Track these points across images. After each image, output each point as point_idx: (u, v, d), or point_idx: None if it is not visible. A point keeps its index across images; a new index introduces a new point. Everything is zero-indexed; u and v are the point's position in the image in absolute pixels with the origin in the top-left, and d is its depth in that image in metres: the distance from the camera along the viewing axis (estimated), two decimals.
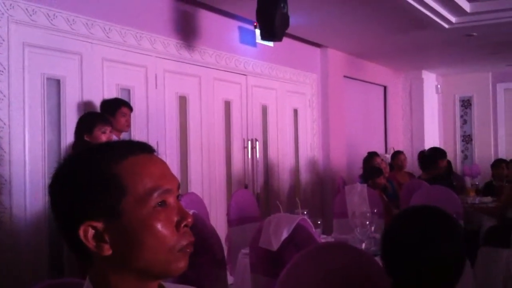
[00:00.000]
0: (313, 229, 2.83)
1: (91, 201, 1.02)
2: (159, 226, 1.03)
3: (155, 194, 1.04)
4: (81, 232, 1.01)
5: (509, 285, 3.65)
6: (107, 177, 1.03)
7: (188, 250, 1.07)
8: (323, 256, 2.10)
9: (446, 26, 6.53)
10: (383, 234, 1.72)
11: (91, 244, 1.02)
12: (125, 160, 1.05)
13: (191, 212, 2.32)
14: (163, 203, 1.05)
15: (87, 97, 4.28)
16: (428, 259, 1.57)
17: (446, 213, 1.67)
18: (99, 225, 1.01)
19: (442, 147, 8.22)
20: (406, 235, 1.63)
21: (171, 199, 1.07)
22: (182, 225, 1.06)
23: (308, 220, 2.89)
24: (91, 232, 1.01)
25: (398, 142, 9.80)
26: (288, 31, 5.15)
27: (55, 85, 4.11)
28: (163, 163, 1.10)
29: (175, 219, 1.06)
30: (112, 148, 1.09)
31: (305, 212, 3.58)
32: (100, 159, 1.05)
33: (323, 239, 3.43)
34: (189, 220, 1.07)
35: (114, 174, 1.03)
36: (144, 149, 1.09)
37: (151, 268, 1.04)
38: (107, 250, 1.02)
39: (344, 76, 8.19)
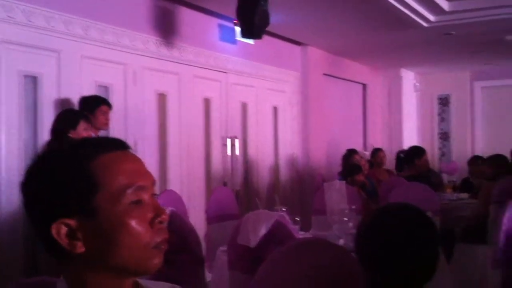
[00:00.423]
0: (292, 226, 2.84)
1: (64, 198, 1.01)
2: (133, 223, 1.02)
3: (129, 191, 1.03)
4: (53, 230, 1.00)
5: (486, 280, 3.70)
6: (80, 174, 1.02)
7: (162, 247, 1.07)
8: (301, 253, 2.11)
9: (425, 25, 6.58)
10: (360, 231, 1.74)
11: (64, 241, 1.01)
12: (98, 157, 1.04)
13: (169, 209, 2.32)
14: (137, 200, 1.04)
15: (64, 94, 4.25)
16: (405, 257, 1.60)
17: (421, 210, 1.70)
18: (72, 222, 1.01)
19: (420, 144, 8.30)
20: (381, 234, 1.65)
21: (145, 196, 1.06)
22: (157, 221, 1.05)
23: (287, 217, 2.91)
24: (63, 229, 1.00)
25: (377, 139, 9.87)
26: (268, 29, 5.16)
27: (32, 82, 4.07)
28: (137, 160, 1.09)
29: (150, 215, 1.05)
30: (85, 145, 1.08)
31: (284, 209, 3.59)
32: (73, 156, 1.04)
33: (301, 235, 3.44)
34: (164, 216, 1.07)
35: (87, 171, 1.02)
36: (118, 146, 1.08)
37: (125, 265, 1.03)
38: (80, 248, 1.01)
39: (324, 74, 8.23)
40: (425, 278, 1.63)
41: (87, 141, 1.11)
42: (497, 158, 5.41)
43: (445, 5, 6.33)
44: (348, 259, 2.09)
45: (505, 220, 3.55)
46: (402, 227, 1.64)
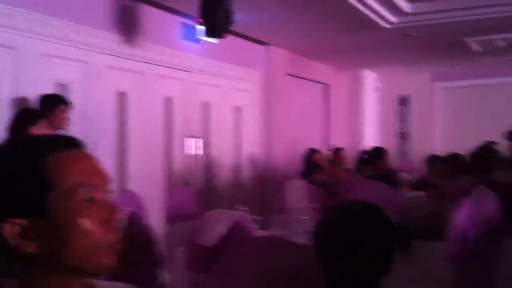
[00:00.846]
0: (251, 225, 2.85)
1: (15, 197, 0.99)
2: (86, 222, 1.01)
3: (82, 190, 1.02)
4: (4, 230, 0.99)
5: (442, 276, 3.78)
6: (32, 173, 1.00)
7: (116, 247, 1.05)
8: (259, 252, 2.12)
9: (387, 26, 6.67)
10: (318, 229, 1.76)
11: (14, 241, 0.99)
12: (51, 155, 1.02)
13: (127, 210, 2.30)
14: (90, 199, 1.03)
15: (22, 92, 4.17)
16: (363, 254, 1.62)
17: (379, 208, 1.73)
18: (24, 222, 0.99)
19: (380, 144, 8.42)
20: (340, 232, 1.67)
21: (99, 195, 1.04)
22: (110, 220, 1.04)
23: (247, 216, 2.92)
24: (14, 229, 0.99)
25: (340, 139, 9.94)
26: (232, 28, 5.15)
27: None
28: (91, 158, 1.08)
29: (103, 214, 1.03)
30: (37, 143, 1.06)
31: (245, 208, 3.61)
32: (25, 154, 1.03)
33: (261, 234, 3.46)
34: (118, 216, 1.06)
35: (39, 169, 1.00)
36: (72, 144, 1.07)
37: (78, 265, 1.02)
38: (32, 248, 0.99)
39: (288, 74, 8.26)
40: (382, 275, 1.66)
41: (40, 138, 1.09)
42: (455, 158, 5.53)
43: (405, 7, 6.43)
44: (307, 258, 2.11)
45: (460, 217, 3.64)
46: (360, 225, 1.66)
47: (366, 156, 6.68)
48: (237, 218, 2.71)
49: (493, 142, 7.40)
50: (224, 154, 6.88)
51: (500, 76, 10.09)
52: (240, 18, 5.60)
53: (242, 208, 3.60)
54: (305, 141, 8.50)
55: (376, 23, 6.48)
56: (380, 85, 10.95)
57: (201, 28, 5.28)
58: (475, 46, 8.07)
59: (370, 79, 10.73)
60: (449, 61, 9.53)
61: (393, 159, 10.11)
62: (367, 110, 10.48)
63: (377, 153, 6.03)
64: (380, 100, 11.17)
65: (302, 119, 8.91)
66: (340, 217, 1.73)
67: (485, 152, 5.92)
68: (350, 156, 7.49)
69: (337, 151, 7.37)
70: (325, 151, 8.14)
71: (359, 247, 1.63)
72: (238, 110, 7.23)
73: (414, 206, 5.36)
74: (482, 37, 7.62)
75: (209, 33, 4.97)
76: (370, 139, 10.19)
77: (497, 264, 3.64)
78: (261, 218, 3.63)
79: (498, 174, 5.30)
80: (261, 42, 7.60)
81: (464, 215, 3.65)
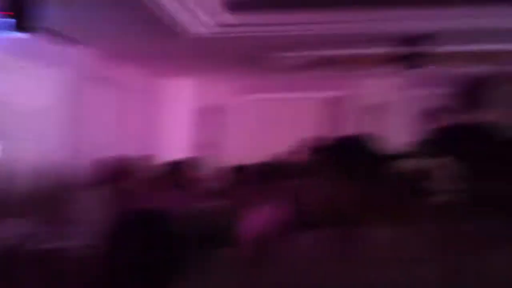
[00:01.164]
0: (31, 238, 2.74)
1: None
2: None
3: None
4: None
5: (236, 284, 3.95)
6: None
7: None
8: (36, 264, 2.07)
9: (200, 35, 6.80)
10: (107, 239, 1.76)
11: None
12: None
13: None
14: None
15: None
16: (145, 264, 1.66)
17: (166, 216, 1.78)
18: None
19: (187, 154, 8.55)
20: (126, 242, 1.70)
21: None
22: None
23: (26, 228, 2.79)
24: None
25: (148, 147, 9.85)
26: (40, 24, 4.90)
27: None
28: None
29: None
30: None
31: (27, 220, 3.43)
32: None
33: (41, 247, 3.33)
34: None
35: None
36: None
37: None
38: None
39: (97, 77, 8.02)
40: (169, 283, 1.70)
41: None
42: (255, 167, 5.79)
43: (220, 19, 6.63)
44: (86, 268, 2.10)
45: (254, 223, 3.86)
46: (146, 234, 1.70)
47: (168, 166, 6.75)
48: (11, 231, 2.59)
49: (294, 153, 7.90)
50: (21, 159, 6.42)
51: (307, 90, 10.84)
52: (50, 13, 5.33)
53: (24, 219, 3.41)
54: (112, 147, 8.30)
55: (187, 31, 6.58)
56: (191, 93, 11.07)
57: (7, 21, 4.96)
58: (284, 61, 8.56)
59: (183, 87, 10.83)
60: (259, 73, 9.98)
61: (198, 169, 10.33)
62: (177, 119, 10.57)
63: (179, 163, 6.14)
64: (192, 110, 11.31)
65: (111, 124, 8.70)
66: (127, 226, 1.76)
67: (283, 161, 6.31)
68: (152, 166, 7.47)
69: (143, 160, 7.34)
70: (132, 160, 8.06)
71: (145, 256, 1.66)
72: (41, 111, 6.85)
73: (209, 214, 5.53)
74: (291, 53, 8.14)
75: (14, 27, 4.71)
76: (179, 149, 10.24)
77: (290, 267, 3.88)
78: (51, 229, 3.48)
79: (293, 181, 5.66)
80: (70, 41, 7.22)
81: (258, 221, 3.86)
